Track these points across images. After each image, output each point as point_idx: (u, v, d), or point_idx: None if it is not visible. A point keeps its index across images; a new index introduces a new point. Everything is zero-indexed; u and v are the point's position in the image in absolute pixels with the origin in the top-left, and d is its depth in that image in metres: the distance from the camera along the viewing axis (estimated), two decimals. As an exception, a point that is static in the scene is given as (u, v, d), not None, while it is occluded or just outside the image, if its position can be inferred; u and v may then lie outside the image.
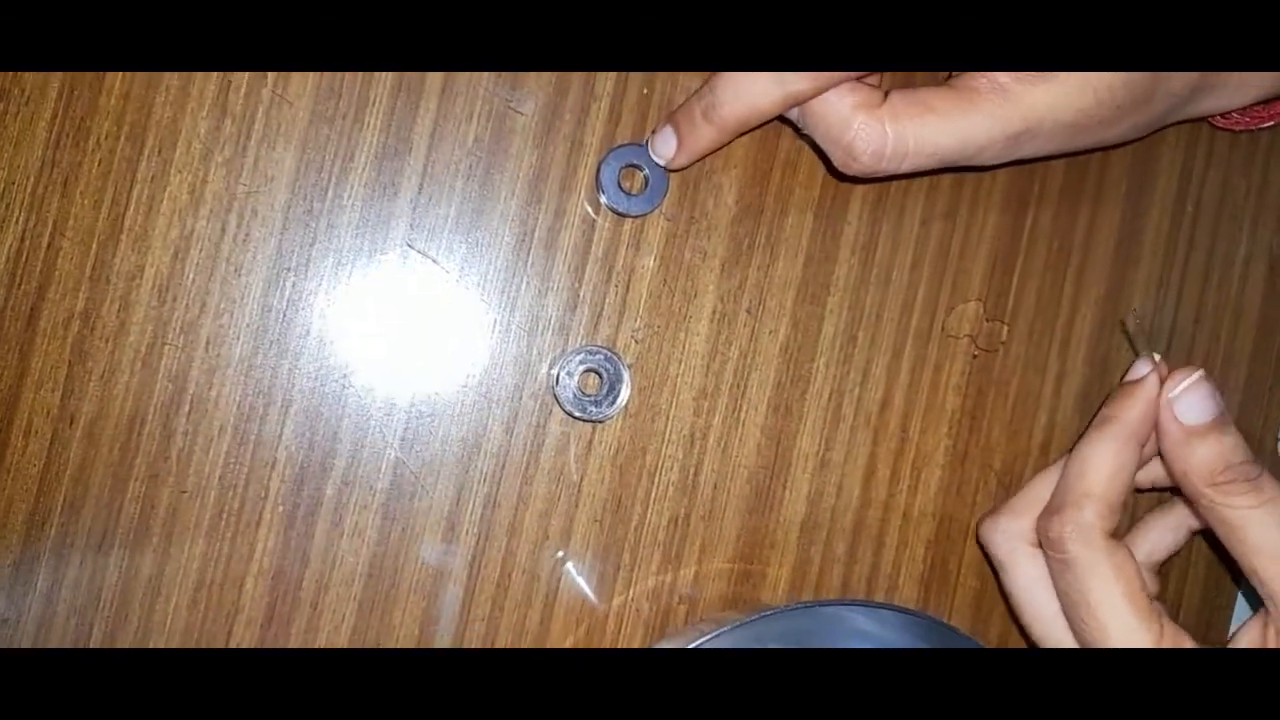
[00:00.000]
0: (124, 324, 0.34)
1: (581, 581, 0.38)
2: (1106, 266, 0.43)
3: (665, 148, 0.36)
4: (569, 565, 0.37)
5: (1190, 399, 0.35)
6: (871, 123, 0.33)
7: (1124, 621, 0.35)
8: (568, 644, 0.37)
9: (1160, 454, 0.37)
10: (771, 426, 0.39)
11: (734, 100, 0.34)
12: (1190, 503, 0.36)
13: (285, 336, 0.35)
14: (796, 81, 0.33)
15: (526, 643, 0.37)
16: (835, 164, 0.35)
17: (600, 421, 0.37)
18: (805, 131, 0.36)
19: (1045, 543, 0.36)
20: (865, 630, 0.35)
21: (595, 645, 0.38)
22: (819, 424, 0.40)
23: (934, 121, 0.34)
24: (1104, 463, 0.36)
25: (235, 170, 0.35)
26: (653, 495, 0.38)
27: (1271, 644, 0.35)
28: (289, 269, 0.35)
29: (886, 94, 0.34)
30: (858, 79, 0.34)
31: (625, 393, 0.37)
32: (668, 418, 0.39)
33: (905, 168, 0.34)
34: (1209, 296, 0.44)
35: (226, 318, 0.35)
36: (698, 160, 0.37)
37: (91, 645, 0.34)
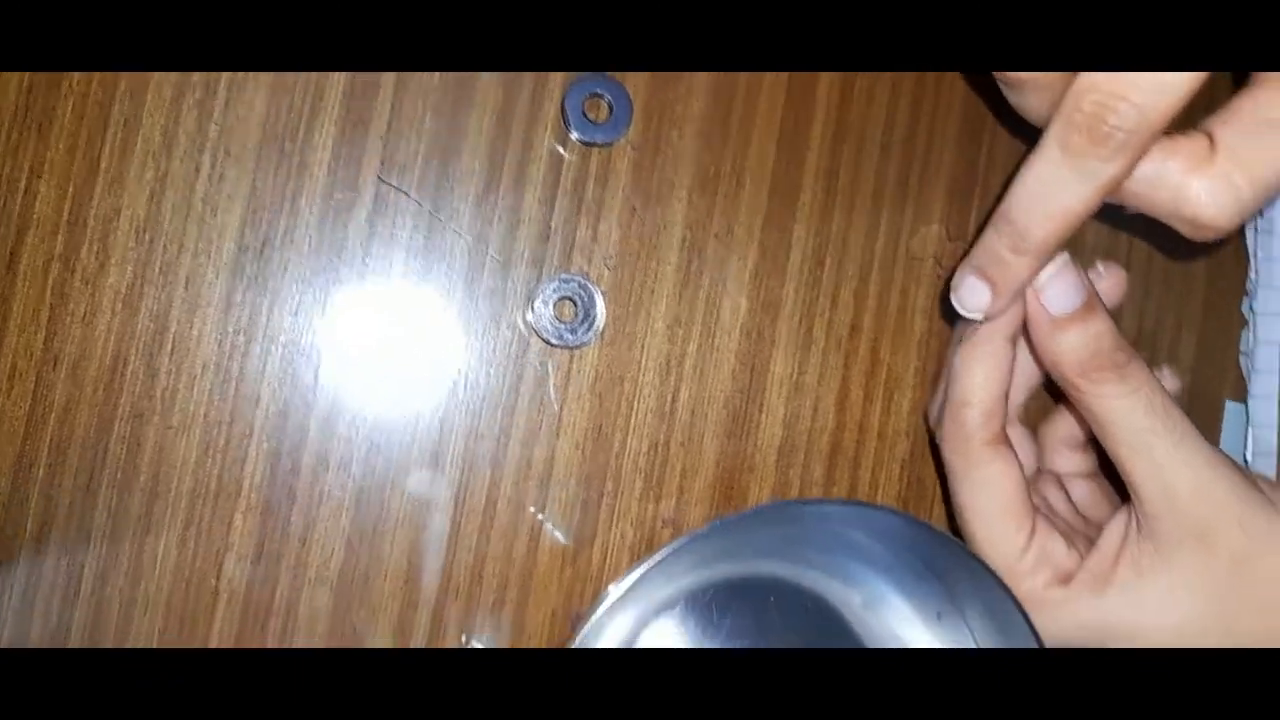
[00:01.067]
0: (103, 265, 0.34)
1: (564, 516, 0.38)
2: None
3: (976, 299, 0.33)
4: (551, 501, 0.38)
5: (1057, 287, 0.33)
6: (1215, 182, 0.29)
7: (990, 532, 0.35)
8: (555, 572, 0.38)
9: (1031, 346, 0.35)
10: (745, 352, 0.40)
11: (1042, 218, 0.30)
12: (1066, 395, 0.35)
13: (263, 274, 0.35)
14: (1104, 169, 0.28)
15: (514, 572, 0.37)
16: (1189, 237, 0.30)
17: (577, 347, 0.38)
18: (1135, 212, 0.31)
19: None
20: (847, 532, 0.35)
21: (581, 572, 0.38)
22: (791, 349, 0.40)
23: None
24: (976, 367, 0.35)
25: (207, 111, 0.35)
26: (632, 423, 0.39)
27: (1132, 539, 0.34)
28: (264, 207, 0.35)
29: (1211, 136, 0.29)
30: (1166, 134, 0.29)
31: (600, 318, 0.37)
32: (643, 346, 0.39)
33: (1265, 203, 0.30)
34: (1164, 215, 0.45)
35: (204, 257, 0.35)
36: (1017, 298, 0.33)
37: (83, 587, 0.34)
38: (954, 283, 0.34)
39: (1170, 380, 0.39)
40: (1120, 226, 0.44)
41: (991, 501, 0.35)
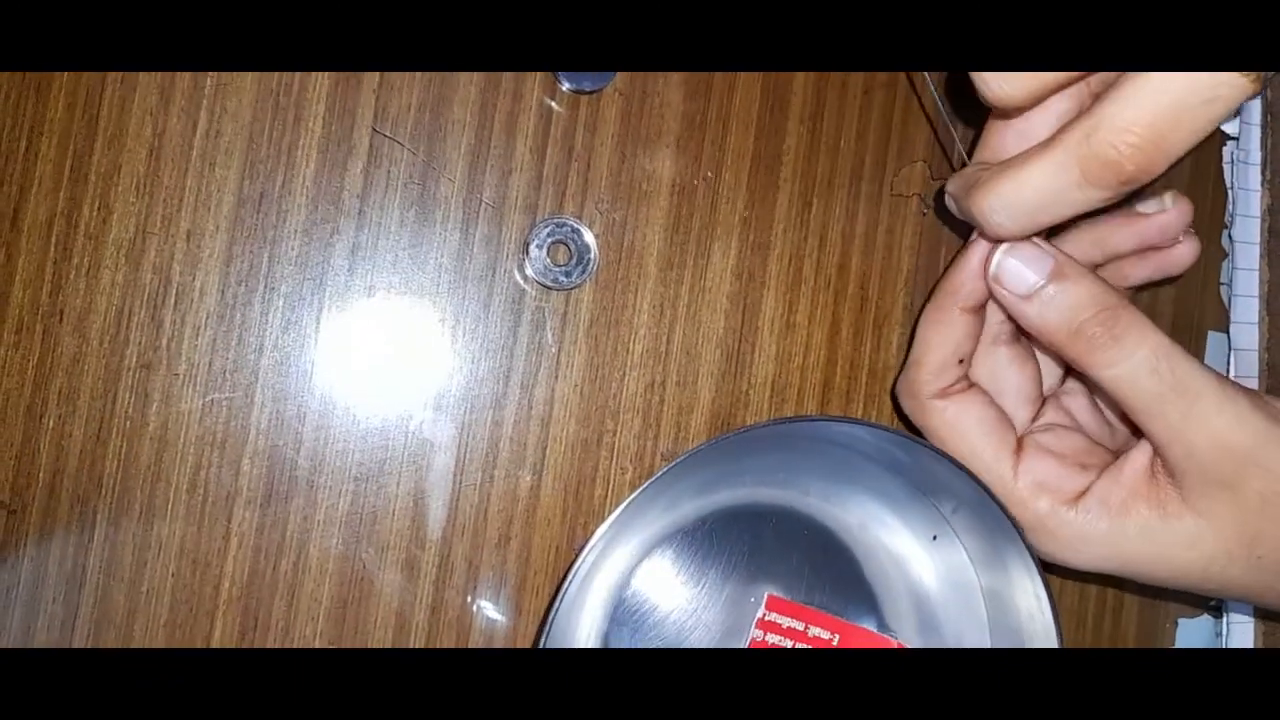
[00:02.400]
0: (105, 221, 0.35)
1: (565, 453, 0.38)
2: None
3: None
4: (551, 440, 0.38)
5: (1009, 268, 0.33)
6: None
7: (971, 464, 0.35)
8: (557, 508, 0.38)
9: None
10: (736, 293, 0.40)
11: (1033, 212, 0.31)
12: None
13: (262, 226, 0.36)
14: (1105, 196, 0.29)
15: (518, 509, 0.38)
16: None
17: (571, 289, 0.38)
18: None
19: None
20: (844, 455, 0.36)
21: (584, 507, 0.38)
22: (781, 289, 0.41)
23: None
24: (927, 332, 0.36)
25: (202, 67, 0.35)
26: (628, 363, 0.39)
27: (1160, 479, 0.34)
28: (261, 160, 0.36)
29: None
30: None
31: (594, 260, 0.38)
32: (636, 289, 0.39)
33: None
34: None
35: (204, 211, 0.35)
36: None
37: (96, 534, 0.34)
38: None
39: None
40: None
41: (960, 440, 0.36)
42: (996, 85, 0.30)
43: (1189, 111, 0.27)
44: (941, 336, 0.36)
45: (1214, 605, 0.47)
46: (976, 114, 0.38)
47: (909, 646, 0.38)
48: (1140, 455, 0.34)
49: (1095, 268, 0.38)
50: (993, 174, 0.31)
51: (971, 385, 0.37)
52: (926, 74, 0.40)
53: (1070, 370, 0.40)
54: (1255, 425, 0.32)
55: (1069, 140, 0.29)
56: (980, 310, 0.36)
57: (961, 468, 0.34)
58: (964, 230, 0.42)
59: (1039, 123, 0.33)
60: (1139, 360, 0.32)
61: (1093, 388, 0.37)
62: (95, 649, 0.34)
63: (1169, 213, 0.36)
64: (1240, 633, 0.45)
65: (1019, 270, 0.33)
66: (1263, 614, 0.45)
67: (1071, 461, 0.36)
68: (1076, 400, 0.39)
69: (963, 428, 0.36)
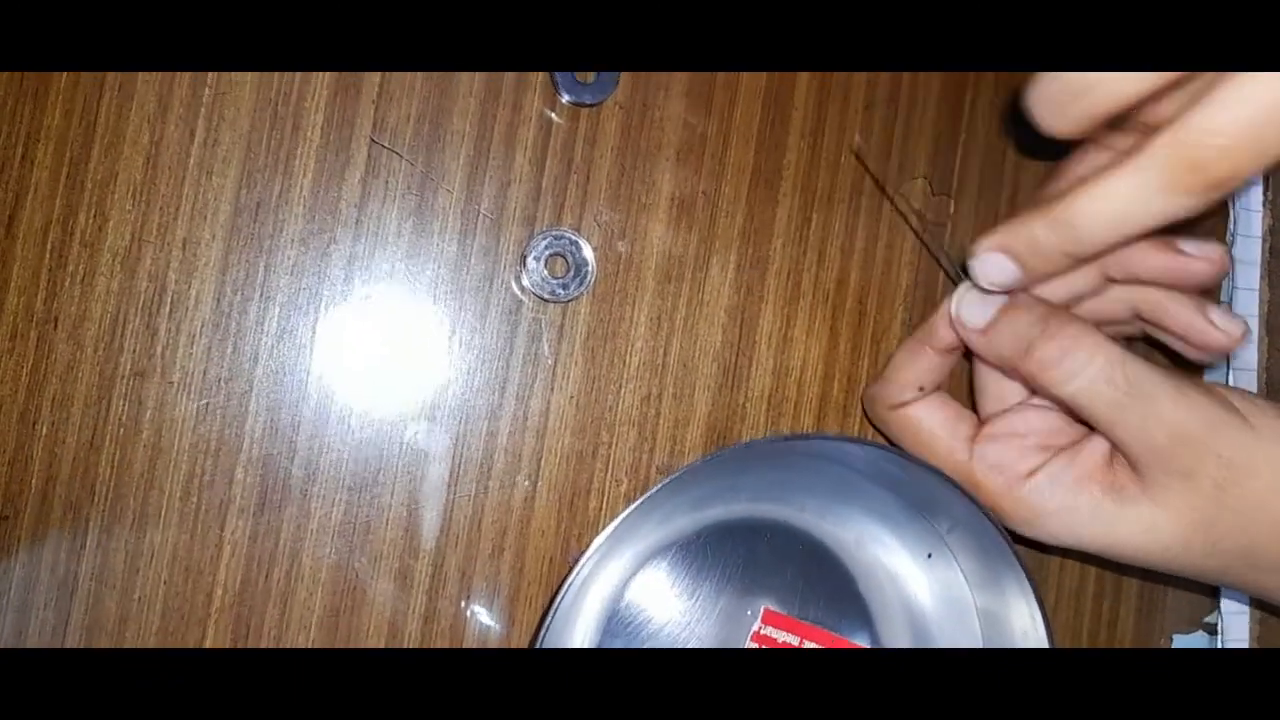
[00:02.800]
0: (101, 228, 0.34)
1: (560, 465, 0.38)
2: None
3: (1002, 275, 0.33)
4: (546, 452, 0.38)
5: (967, 306, 0.36)
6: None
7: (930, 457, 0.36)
8: (551, 520, 0.38)
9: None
10: (734, 306, 0.40)
11: (1109, 230, 0.30)
12: None
13: (259, 235, 0.36)
14: (1191, 204, 0.29)
15: (512, 520, 0.37)
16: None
17: (568, 302, 0.38)
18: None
19: None
20: (839, 472, 0.35)
21: (578, 520, 0.38)
22: (779, 303, 0.41)
23: None
24: (900, 357, 0.38)
25: (200, 76, 0.35)
26: (624, 376, 0.39)
27: (1119, 466, 0.35)
28: (258, 170, 0.35)
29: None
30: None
31: (591, 273, 0.37)
32: (634, 302, 0.39)
33: None
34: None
35: (200, 219, 0.35)
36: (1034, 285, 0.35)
37: (88, 540, 0.34)
38: (979, 253, 0.34)
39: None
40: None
41: (918, 437, 0.37)
42: (1041, 117, 0.31)
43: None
44: (910, 366, 0.38)
45: (1209, 622, 0.46)
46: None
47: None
48: (1100, 443, 0.35)
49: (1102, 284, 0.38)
50: (1070, 190, 0.30)
51: (930, 393, 0.38)
52: (912, 207, 0.41)
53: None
54: (1208, 414, 0.33)
55: (1155, 146, 0.28)
56: (951, 352, 0.38)
57: (957, 486, 0.34)
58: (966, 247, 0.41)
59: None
60: (1094, 372, 0.33)
61: (1058, 403, 0.37)
62: (94, 649, 0.34)
63: (1211, 262, 0.35)
64: (1236, 625, 0.45)
65: (973, 309, 0.35)
66: (1259, 604, 0.45)
67: (1033, 442, 0.36)
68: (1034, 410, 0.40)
69: (919, 426, 0.37)
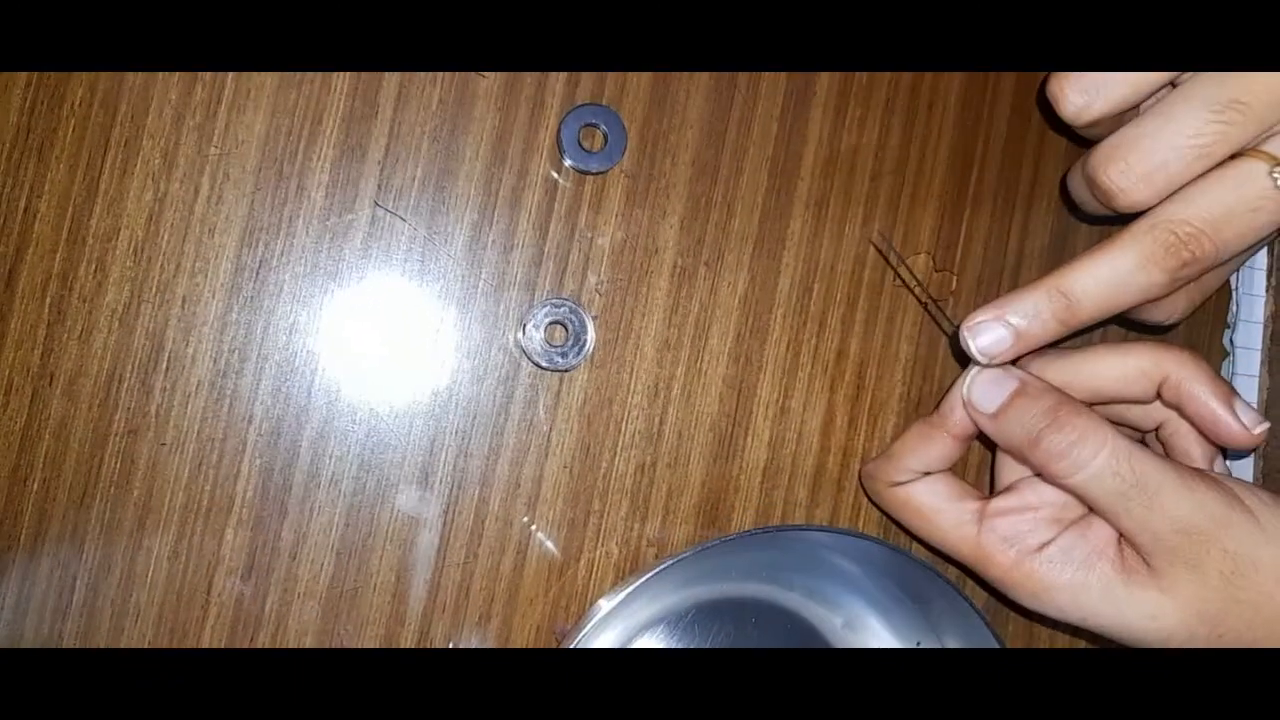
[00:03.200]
0: (101, 284, 0.34)
1: (551, 532, 0.38)
2: (1050, 218, 0.43)
3: (997, 345, 0.34)
4: (539, 518, 0.38)
5: (979, 389, 0.36)
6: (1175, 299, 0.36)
7: (937, 533, 0.36)
8: (540, 588, 0.38)
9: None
10: (732, 376, 0.40)
11: (1101, 300, 0.34)
12: None
13: (259, 294, 0.35)
14: (1167, 282, 0.33)
15: (501, 587, 0.37)
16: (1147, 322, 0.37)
17: (566, 371, 0.38)
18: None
19: None
20: (828, 556, 0.35)
21: (567, 589, 0.38)
22: (778, 373, 0.40)
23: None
24: (912, 440, 0.38)
25: (207, 134, 0.35)
26: (619, 444, 0.39)
27: (1127, 548, 0.34)
28: (261, 229, 0.35)
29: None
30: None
31: (590, 342, 0.37)
32: (632, 369, 0.39)
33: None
34: (1148, 247, 0.45)
35: (201, 277, 0.35)
36: (1023, 352, 0.35)
37: (75, 598, 0.34)
38: (973, 325, 0.35)
39: (1258, 425, 0.37)
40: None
41: (922, 515, 0.37)
42: (1066, 103, 0.34)
43: (1239, 215, 0.32)
44: (920, 451, 0.37)
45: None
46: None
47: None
48: (1105, 535, 0.35)
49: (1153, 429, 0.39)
50: (1070, 263, 0.34)
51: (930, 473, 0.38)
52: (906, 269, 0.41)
53: None
54: (1214, 510, 0.33)
55: (1136, 227, 0.33)
56: (966, 439, 0.37)
57: (944, 578, 0.33)
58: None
59: None
60: (1099, 464, 0.33)
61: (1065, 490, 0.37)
62: (94, 650, 0.34)
63: (1250, 434, 0.36)
64: None
65: (985, 392, 0.35)
66: None
67: (1045, 515, 0.36)
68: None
69: (921, 503, 0.37)
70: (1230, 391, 0.36)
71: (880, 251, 0.41)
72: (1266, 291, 0.44)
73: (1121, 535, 0.35)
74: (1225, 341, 0.45)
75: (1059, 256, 0.43)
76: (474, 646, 0.37)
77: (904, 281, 0.41)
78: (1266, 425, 0.36)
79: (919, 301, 0.42)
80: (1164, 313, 0.37)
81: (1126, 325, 0.43)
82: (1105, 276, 0.33)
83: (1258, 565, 0.33)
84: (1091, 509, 0.35)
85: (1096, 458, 0.33)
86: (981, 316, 0.35)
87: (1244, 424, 0.35)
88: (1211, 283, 0.37)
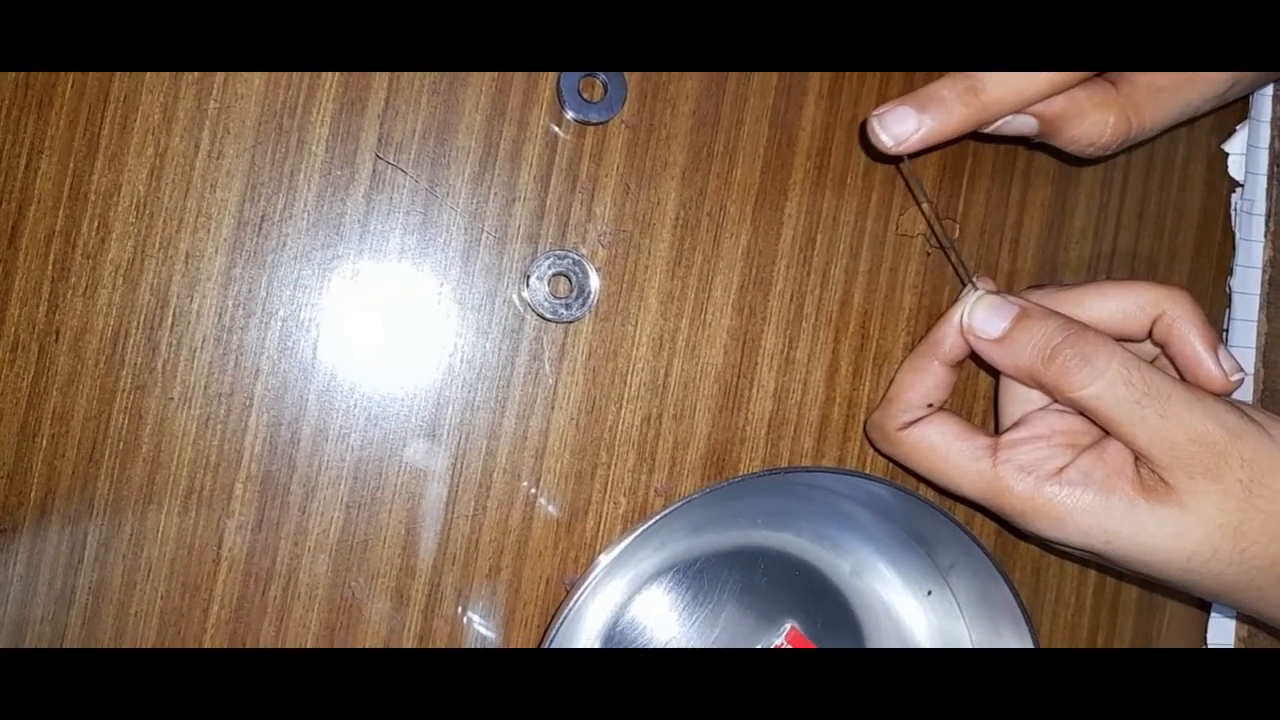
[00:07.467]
0: (104, 240, 0.34)
1: (559, 485, 0.37)
2: (1052, 167, 0.43)
3: (901, 127, 0.34)
4: (546, 471, 0.37)
5: (980, 316, 0.36)
6: (1118, 117, 0.36)
7: (951, 472, 0.36)
8: (549, 540, 0.37)
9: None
10: (736, 328, 0.39)
11: (1003, 79, 0.34)
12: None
13: (262, 249, 0.35)
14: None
15: (510, 539, 0.37)
16: (1079, 155, 0.37)
17: (571, 323, 0.37)
18: (1042, 140, 0.37)
19: None
20: (836, 502, 0.35)
21: (576, 540, 0.37)
22: (782, 324, 0.40)
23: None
24: (905, 377, 0.38)
25: (205, 89, 0.34)
26: (625, 396, 0.38)
27: (1144, 466, 0.34)
28: (262, 184, 0.35)
29: (1114, 85, 0.36)
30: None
31: (594, 294, 0.37)
32: (636, 321, 0.38)
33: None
34: (1151, 195, 0.44)
35: (204, 233, 0.34)
36: (931, 147, 0.35)
37: (86, 554, 0.34)
38: (880, 114, 0.35)
39: (1236, 374, 0.37)
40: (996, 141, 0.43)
41: (933, 453, 0.36)
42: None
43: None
44: (918, 383, 0.37)
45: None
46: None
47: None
48: (1127, 461, 0.35)
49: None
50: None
51: (936, 411, 0.37)
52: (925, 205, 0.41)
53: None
54: (1226, 419, 0.33)
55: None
56: (958, 365, 0.37)
57: (953, 520, 0.33)
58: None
59: None
60: (1113, 374, 0.33)
61: (1077, 409, 0.37)
62: (94, 649, 0.34)
63: (1226, 380, 0.36)
64: (1220, 629, 0.44)
65: (988, 319, 0.35)
66: (1245, 616, 0.44)
67: (1058, 440, 0.36)
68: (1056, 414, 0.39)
69: (933, 442, 0.36)
70: (1216, 339, 0.36)
71: (906, 180, 0.40)
72: (1265, 237, 0.43)
73: (1138, 455, 0.34)
74: (1226, 287, 0.45)
75: (1061, 206, 0.43)
76: (484, 600, 0.36)
77: (925, 217, 0.41)
78: (1243, 375, 0.36)
79: (937, 243, 0.41)
80: (1094, 130, 0.36)
81: (1062, 158, 0.42)
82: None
83: (1276, 473, 0.33)
84: (1105, 429, 0.34)
85: (1110, 368, 0.33)
86: (885, 106, 0.34)
87: (1223, 369, 0.35)
88: (1147, 117, 0.36)
